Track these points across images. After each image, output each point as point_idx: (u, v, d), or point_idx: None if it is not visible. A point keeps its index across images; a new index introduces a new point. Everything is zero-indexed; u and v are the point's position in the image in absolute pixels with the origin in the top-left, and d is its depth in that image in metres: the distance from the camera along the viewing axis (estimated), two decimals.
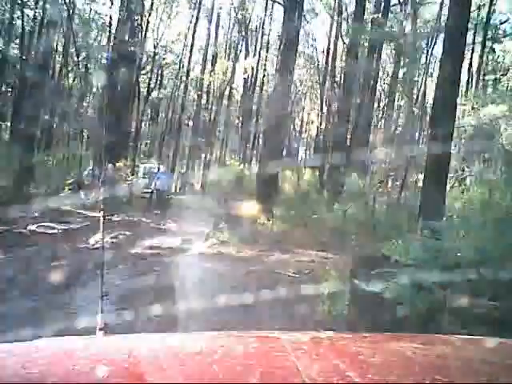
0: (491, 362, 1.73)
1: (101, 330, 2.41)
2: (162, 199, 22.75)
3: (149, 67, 43.29)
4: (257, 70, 43.39)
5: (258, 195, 18.41)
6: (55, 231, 13.57)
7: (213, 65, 32.11)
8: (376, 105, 36.53)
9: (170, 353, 1.71)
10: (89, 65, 35.15)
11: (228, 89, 38.99)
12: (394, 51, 30.45)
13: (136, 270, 8.77)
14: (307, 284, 8.11)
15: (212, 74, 30.96)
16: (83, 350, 1.68)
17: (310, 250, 12.09)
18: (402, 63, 28.68)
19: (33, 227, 14.90)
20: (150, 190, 24.31)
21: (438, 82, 9.75)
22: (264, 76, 45.98)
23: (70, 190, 18.78)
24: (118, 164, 21.41)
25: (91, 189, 20.60)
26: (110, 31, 30.23)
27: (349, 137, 22.21)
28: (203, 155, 46.35)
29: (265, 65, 45.00)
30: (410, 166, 14.50)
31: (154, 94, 43.68)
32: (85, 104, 28.71)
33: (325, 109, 39.48)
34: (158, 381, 1.43)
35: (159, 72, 45.34)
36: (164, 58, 46.28)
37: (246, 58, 38.56)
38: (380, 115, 35.55)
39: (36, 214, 16.84)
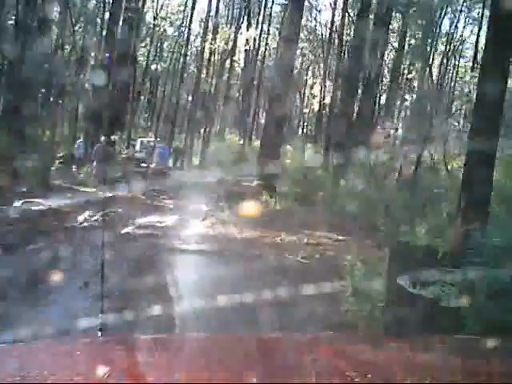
0: (491, 362, 1.73)
1: (100, 330, 2.35)
2: (159, 174, 21.66)
3: (148, 40, 42.38)
4: (259, 42, 42.15)
5: (259, 171, 17.31)
6: (41, 208, 12.47)
7: (214, 36, 30.67)
8: (385, 79, 35.49)
9: (170, 353, 1.71)
10: (86, 35, 33.91)
11: (229, 61, 37.57)
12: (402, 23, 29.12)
13: (124, 254, 7.65)
14: (321, 273, 7.10)
15: (213, 43, 29.57)
16: (83, 350, 1.68)
17: (317, 230, 11.04)
18: (410, 34, 27.54)
19: (18, 203, 13.88)
20: (145, 165, 23.24)
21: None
22: (266, 50, 44.85)
23: (60, 163, 17.64)
24: (112, 137, 20.23)
25: (84, 163, 19.54)
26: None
27: (355, 110, 21.05)
28: (202, 130, 45.27)
29: (267, 38, 43.80)
30: (427, 141, 13.37)
31: (153, 66, 42.65)
32: (81, 76, 27.21)
33: (328, 83, 38.39)
34: (158, 381, 1.46)
35: (158, 45, 44.21)
36: (164, 30, 45.13)
37: (248, 30, 37.25)
38: (388, 89, 34.24)
39: (24, 190, 15.80)
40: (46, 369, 1.48)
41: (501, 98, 6.72)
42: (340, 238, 10.34)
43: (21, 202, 13.99)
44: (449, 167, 15.17)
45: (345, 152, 18.36)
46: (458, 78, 34.61)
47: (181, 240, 9.46)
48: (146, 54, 41.15)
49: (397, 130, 19.89)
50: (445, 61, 32.64)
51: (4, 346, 1.72)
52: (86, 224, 11.11)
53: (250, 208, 13.14)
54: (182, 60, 29.20)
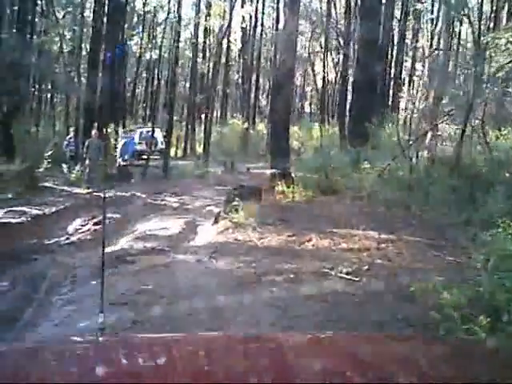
0: (491, 362, 1.73)
1: (101, 330, 2.43)
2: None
3: (140, 27, 40.50)
4: (255, 20, 40.05)
5: (272, 157, 15.38)
6: (22, 220, 10.59)
7: (208, 12, 28.62)
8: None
9: (170, 353, 1.70)
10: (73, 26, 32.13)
11: (226, 42, 35.47)
12: None
13: (114, 288, 5.65)
14: (388, 303, 5.22)
15: (207, 20, 27.48)
16: (83, 350, 1.67)
17: (352, 228, 9.11)
18: None
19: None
20: (146, 157, 21.35)
21: None
22: (262, 30, 42.84)
23: (48, 163, 15.72)
24: (105, 130, 18.31)
25: (75, 161, 17.65)
26: None
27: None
28: (203, 115, 43.33)
29: (262, 14, 41.71)
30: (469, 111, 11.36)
31: (147, 54, 40.82)
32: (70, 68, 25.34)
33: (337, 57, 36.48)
34: (158, 381, 1.43)
35: (151, 32, 42.32)
36: (154, 15, 43.16)
37: (242, 6, 35.21)
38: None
39: (9, 196, 13.93)
40: (46, 369, 1.47)
41: None
42: (384, 236, 8.39)
43: (2, 211, 12.17)
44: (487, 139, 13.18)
45: (364, 130, 16.43)
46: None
47: (189, 256, 7.52)
48: (138, 42, 39.32)
49: (426, 99, 17.69)
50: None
51: (4, 346, 1.69)
52: (73, 238, 9.24)
53: (267, 203, 11.24)
54: (175, 45, 27.28)
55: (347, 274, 6.34)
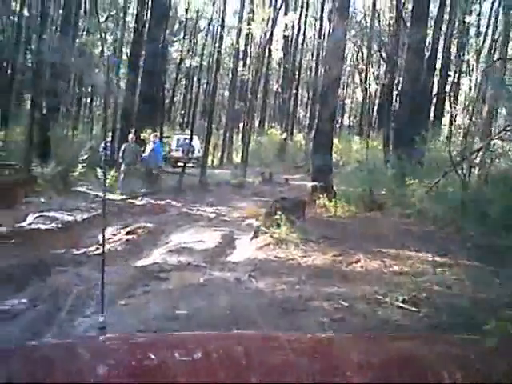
0: (491, 362, 1.70)
1: (101, 329, 2.51)
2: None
3: (182, 34, 40.31)
4: (298, 30, 39.48)
5: (313, 169, 14.72)
6: (52, 226, 10.11)
7: (251, 17, 28.11)
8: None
9: (170, 353, 1.67)
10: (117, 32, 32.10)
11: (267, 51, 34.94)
12: None
13: (145, 312, 5.04)
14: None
15: (250, 27, 26.92)
16: (83, 349, 1.65)
17: (402, 248, 8.39)
18: None
19: (30, 218, 11.62)
20: (182, 165, 20.85)
21: None
22: (304, 39, 42.26)
23: (83, 167, 15.29)
24: (142, 135, 17.88)
25: (111, 166, 17.21)
26: None
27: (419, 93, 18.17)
28: (241, 124, 42.86)
29: (305, 23, 41.17)
30: None
31: (187, 62, 40.60)
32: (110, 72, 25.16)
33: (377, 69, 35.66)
34: (158, 380, 1.41)
35: (192, 38, 42.13)
36: (196, 21, 42.95)
37: (286, 14, 34.61)
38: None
39: (42, 200, 13.55)
40: (46, 369, 1.45)
41: None
42: (439, 259, 7.66)
43: (34, 216, 11.75)
44: None
45: (409, 144, 15.61)
46: None
47: (229, 272, 6.89)
48: (179, 49, 39.10)
49: (471, 114, 16.80)
50: None
51: (5, 346, 1.69)
52: (102, 249, 8.69)
53: (309, 218, 10.56)
54: (218, 50, 26.85)
55: (404, 302, 5.63)
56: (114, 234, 10.12)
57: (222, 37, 22.36)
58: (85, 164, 15.45)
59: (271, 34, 27.73)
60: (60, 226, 10.30)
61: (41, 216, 11.45)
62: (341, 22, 14.63)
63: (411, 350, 1.83)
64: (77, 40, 25.95)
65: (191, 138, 22.23)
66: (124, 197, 14.94)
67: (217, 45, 37.01)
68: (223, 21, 22.67)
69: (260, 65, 28.93)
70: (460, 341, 2.17)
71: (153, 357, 1.61)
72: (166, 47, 28.69)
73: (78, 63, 24.83)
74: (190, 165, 21.49)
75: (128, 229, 10.32)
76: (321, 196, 13.11)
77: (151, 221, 11.53)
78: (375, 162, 16.85)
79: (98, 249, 8.51)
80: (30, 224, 10.09)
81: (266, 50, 33.33)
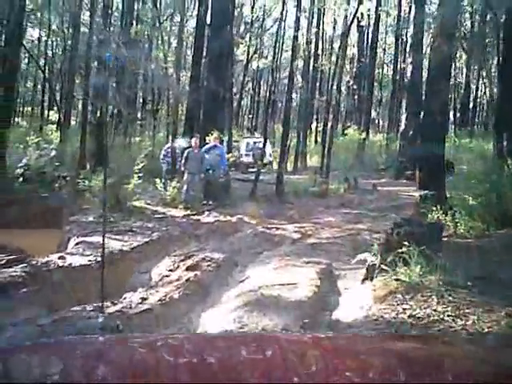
0: (491, 362, 1.69)
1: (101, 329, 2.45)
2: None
3: (248, 36, 38.27)
4: (376, 16, 36.14)
5: (421, 174, 11.79)
6: (89, 261, 7.59)
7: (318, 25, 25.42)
8: None
9: (170, 353, 1.59)
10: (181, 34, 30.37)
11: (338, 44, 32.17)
12: None
13: None
14: None
15: (321, 22, 24.19)
16: (83, 349, 1.60)
17: None
18: None
19: (71, 245, 9.23)
20: (254, 171, 18.27)
21: None
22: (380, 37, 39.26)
23: (139, 177, 12.81)
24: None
25: (173, 175, 14.75)
26: None
27: None
28: (314, 125, 40.13)
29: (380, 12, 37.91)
30: None
31: (254, 63, 38.40)
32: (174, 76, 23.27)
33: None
34: (158, 381, 1.41)
35: (259, 39, 39.97)
36: (263, 20, 40.74)
37: (361, 3, 31.62)
38: None
39: (90, 219, 11.18)
40: (46, 369, 1.41)
41: None
42: None
43: (73, 243, 9.35)
44: None
45: None
46: None
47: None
48: (245, 50, 36.87)
49: None
50: None
51: (5, 346, 1.70)
52: (153, 298, 6.02)
53: (434, 246, 7.60)
54: (293, 48, 24.37)
55: None
56: (171, 270, 7.53)
57: (296, 37, 19.58)
58: (141, 174, 12.99)
59: (349, 26, 24.95)
60: (99, 258, 7.78)
61: (82, 242, 9.05)
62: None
63: (411, 350, 1.75)
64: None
65: (265, 142, 19.60)
66: (188, 212, 12.45)
67: (285, 45, 34.90)
68: (298, 20, 19.74)
69: (336, 59, 26.24)
70: (460, 341, 2.22)
71: (153, 358, 1.49)
72: (231, 48, 26.43)
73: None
74: (263, 171, 18.84)
75: (189, 261, 7.70)
76: (434, 208, 10.24)
77: (220, 247, 8.93)
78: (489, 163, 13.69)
79: (143, 300, 5.92)
80: (60, 258, 7.57)
81: (343, 44, 30.71)
